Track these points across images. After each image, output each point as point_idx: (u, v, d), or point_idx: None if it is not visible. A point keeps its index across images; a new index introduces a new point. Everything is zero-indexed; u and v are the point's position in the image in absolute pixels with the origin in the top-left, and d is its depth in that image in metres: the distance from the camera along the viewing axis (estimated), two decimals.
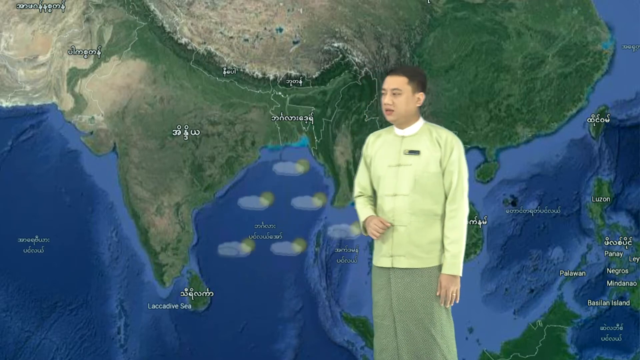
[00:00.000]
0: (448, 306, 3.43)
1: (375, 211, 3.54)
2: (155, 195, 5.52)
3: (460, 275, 3.41)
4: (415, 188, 3.42)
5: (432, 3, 5.42)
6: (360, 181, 3.64)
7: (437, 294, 3.41)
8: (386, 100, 3.47)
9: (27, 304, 5.54)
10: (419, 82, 3.50)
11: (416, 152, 3.46)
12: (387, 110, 3.48)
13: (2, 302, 5.53)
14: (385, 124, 5.39)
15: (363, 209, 3.57)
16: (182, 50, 5.48)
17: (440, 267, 3.43)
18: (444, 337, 3.41)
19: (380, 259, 3.49)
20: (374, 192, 3.61)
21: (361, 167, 3.66)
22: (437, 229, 3.44)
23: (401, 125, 3.51)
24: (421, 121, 3.54)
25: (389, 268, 3.46)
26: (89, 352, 5.55)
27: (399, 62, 5.41)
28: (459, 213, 3.41)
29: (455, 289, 3.40)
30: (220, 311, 5.51)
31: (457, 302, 3.44)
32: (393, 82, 3.47)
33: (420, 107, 3.53)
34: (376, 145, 3.58)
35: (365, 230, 3.56)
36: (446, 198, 3.46)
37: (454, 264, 3.39)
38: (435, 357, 3.39)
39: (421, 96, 3.50)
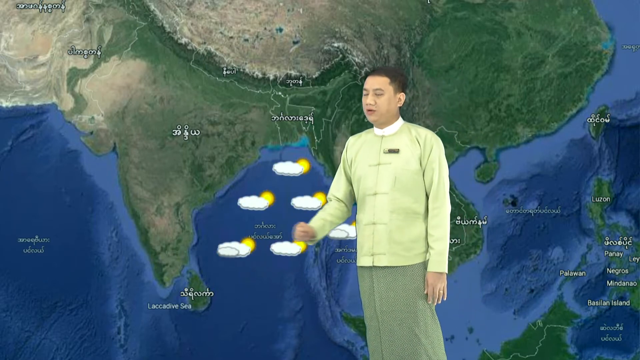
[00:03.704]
0: (436, 303, 3.41)
1: (324, 223, 3.57)
2: (155, 195, 5.52)
3: (447, 272, 3.39)
4: (395, 186, 3.44)
5: (432, 3, 5.42)
6: (334, 183, 3.66)
7: (425, 292, 3.41)
8: (368, 100, 3.48)
9: (27, 304, 5.54)
10: (400, 82, 3.53)
11: (395, 151, 3.48)
12: (369, 110, 3.49)
13: (2, 302, 5.53)
14: None
15: (314, 217, 3.60)
16: (182, 50, 5.48)
17: (421, 265, 3.43)
18: (428, 337, 3.39)
19: (362, 258, 3.49)
20: (349, 197, 3.62)
21: (339, 170, 3.67)
22: (418, 227, 3.44)
23: (381, 125, 3.53)
24: (400, 121, 3.56)
25: (370, 267, 3.47)
26: (89, 352, 5.55)
27: (399, 62, 5.41)
28: (442, 210, 3.41)
29: (442, 286, 3.38)
30: (220, 311, 5.51)
31: (445, 299, 3.43)
32: (375, 83, 3.49)
33: (400, 107, 3.56)
34: (355, 147, 3.60)
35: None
36: (427, 196, 3.47)
37: (440, 261, 3.39)
38: (420, 358, 3.38)
39: (402, 96, 3.53)
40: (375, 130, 3.57)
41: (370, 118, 3.51)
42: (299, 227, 3.51)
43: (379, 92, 3.48)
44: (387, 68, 3.59)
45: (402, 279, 3.41)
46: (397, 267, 3.42)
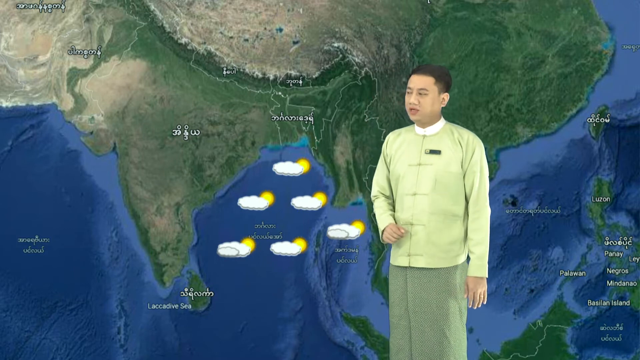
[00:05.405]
0: (476, 307, 3.43)
1: (393, 216, 3.53)
2: (155, 195, 5.52)
3: (487, 276, 3.41)
4: (435, 188, 3.41)
5: (432, 3, 5.42)
6: (379, 180, 3.62)
7: (465, 296, 3.40)
8: (412, 99, 3.44)
9: (27, 304, 5.54)
10: (445, 82, 3.47)
11: (437, 152, 3.45)
12: (412, 109, 3.45)
13: (2, 302, 5.53)
14: (385, 123, 5.41)
15: (382, 215, 3.54)
16: (182, 50, 5.48)
17: (456, 267, 3.42)
18: (456, 340, 3.40)
19: (398, 258, 3.47)
20: (391, 191, 3.60)
21: (380, 166, 3.63)
22: (456, 230, 3.42)
23: (424, 125, 3.50)
24: (442, 121, 3.52)
25: (405, 267, 3.45)
26: (89, 352, 5.55)
27: (399, 62, 5.41)
28: (483, 214, 3.40)
29: (482, 290, 3.39)
30: (220, 311, 5.50)
31: (485, 303, 3.43)
32: (420, 82, 3.44)
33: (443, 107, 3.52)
34: (396, 144, 3.56)
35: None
36: (466, 199, 3.44)
37: (480, 265, 3.38)
38: (448, 359, 3.38)
39: (446, 97, 3.48)
40: (417, 129, 3.52)
41: (412, 117, 3.47)
42: (395, 228, 3.45)
43: (424, 92, 3.43)
44: (433, 67, 3.51)
45: (437, 281, 3.40)
46: (432, 268, 3.42)
